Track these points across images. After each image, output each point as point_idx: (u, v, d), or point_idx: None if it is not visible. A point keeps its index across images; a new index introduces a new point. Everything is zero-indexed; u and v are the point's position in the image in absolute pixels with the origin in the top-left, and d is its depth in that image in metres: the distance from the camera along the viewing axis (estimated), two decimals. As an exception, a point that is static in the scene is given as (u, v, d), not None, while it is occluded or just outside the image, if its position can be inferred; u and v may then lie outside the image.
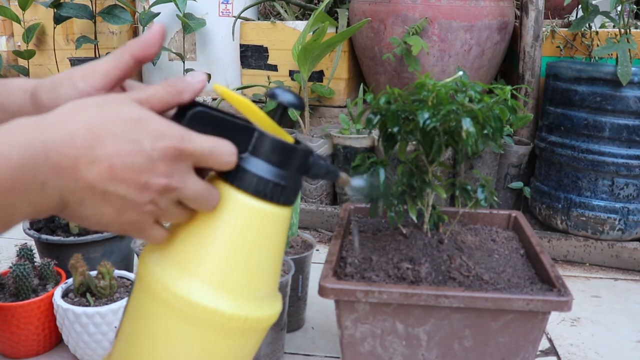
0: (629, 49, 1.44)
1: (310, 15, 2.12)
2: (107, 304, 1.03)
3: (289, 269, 1.04)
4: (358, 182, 0.52)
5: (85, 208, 0.39)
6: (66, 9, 1.98)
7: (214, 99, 2.17)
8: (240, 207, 0.42)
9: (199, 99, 2.16)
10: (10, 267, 1.05)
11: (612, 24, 1.69)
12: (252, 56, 2.07)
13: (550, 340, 1.20)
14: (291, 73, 2.03)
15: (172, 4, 1.98)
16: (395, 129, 0.83)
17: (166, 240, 0.43)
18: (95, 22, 2.10)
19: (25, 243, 1.16)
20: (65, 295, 1.07)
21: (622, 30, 1.52)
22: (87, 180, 0.38)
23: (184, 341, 0.42)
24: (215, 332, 0.42)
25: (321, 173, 0.46)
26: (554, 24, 1.82)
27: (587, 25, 1.61)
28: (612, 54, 1.58)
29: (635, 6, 1.69)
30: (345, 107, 1.98)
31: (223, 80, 2.19)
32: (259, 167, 0.41)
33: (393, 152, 0.88)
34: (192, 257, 0.42)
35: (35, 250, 1.17)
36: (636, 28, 1.78)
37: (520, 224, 1.02)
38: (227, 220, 0.41)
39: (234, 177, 0.41)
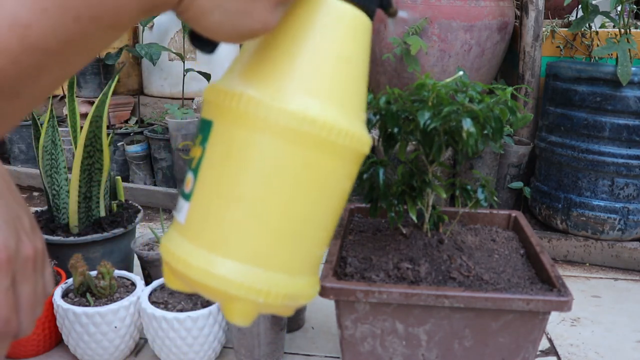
0: (629, 49, 1.44)
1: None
2: (107, 304, 1.03)
3: (289, 269, 1.04)
4: (403, 14, 0.52)
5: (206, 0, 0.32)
6: (66, 9, 1.98)
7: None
8: (336, 13, 0.39)
9: (199, 100, 2.16)
10: (10, 267, 1.05)
11: (612, 24, 1.69)
12: (252, 56, 2.07)
13: (550, 340, 1.20)
14: (291, 73, 2.02)
15: (172, 4, 1.98)
16: (395, 130, 0.83)
17: (251, 61, 0.39)
18: (95, 22, 2.09)
19: (25, 243, 1.16)
20: (65, 295, 1.07)
21: (622, 30, 1.52)
22: None
23: (282, 167, 0.37)
24: (325, 151, 0.38)
25: None
26: (554, 24, 1.82)
27: (587, 25, 1.61)
28: (612, 54, 1.58)
29: (635, 6, 1.69)
30: (345, 107, 1.98)
31: (223, 80, 2.19)
32: None
33: (393, 152, 0.88)
34: (290, 70, 0.38)
35: (35, 250, 1.17)
36: (636, 28, 1.78)
37: (520, 224, 1.02)
38: (322, 29, 0.39)
39: None
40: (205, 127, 0.40)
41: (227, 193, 0.38)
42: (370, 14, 0.41)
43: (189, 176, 0.41)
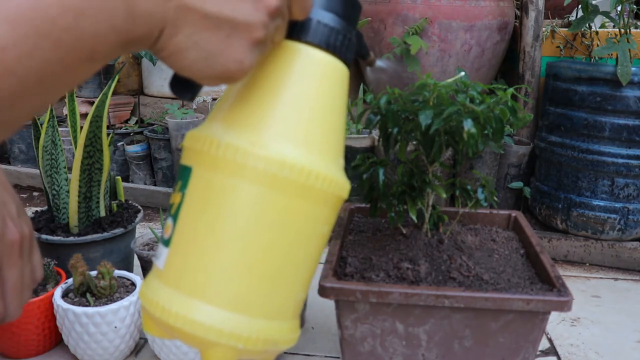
0: (629, 49, 1.44)
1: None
2: (107, 304, 1.03)
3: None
4: (381, 63, 0.53)
5: (182, 38, 0.32)
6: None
7: (214, 99, 2.16)
8: (314, 61, 0.39)
9: (199, 100, 2.16)
10: (10, 267, 1.05)
11: (612, 24, 1.69)
12: (252, 56, 2.07)
13: (550, 340, 1.20)
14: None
15: (172, 3, 1.98)
16: (395, 130, 0.83)
17: (231, 108, 0.39)
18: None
19: (25, 243, 1.16)
20: (65, 295, 1.07)
21: (622, 30, 1.52)
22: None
23: (262, 212, 0.37)
24: (304, 197, 0.38)
25: (361, 39, 0.45)
26: (554, 24, 1.82)
27: (587, 25, 1.61)
28: (612, 54, 1.58)
29: (635, 6, 1.69)
30: (345, 107, 1.98)
31: (223, 80, 2.18)
32: (327, 18, 0.40)
33: (393, 152, 0.88)
34: (270, 117, 0.38)
35: (35, 250, 1.17)
36: (636, 28, 1.78)
37: (520, 224, 1.02)
38: (301, 77, 0.39)
39: (303, 32, 0.39)
40: (184, 173, 0.40)
41: (206, 239, 0.38)
42: (347, 62, 0.42)
43: (169, 222, 0.40)
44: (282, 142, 0.37)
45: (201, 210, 0.38)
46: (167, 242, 0.40)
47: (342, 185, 0.41)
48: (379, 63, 0.53)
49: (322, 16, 0.40)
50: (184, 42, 0.32)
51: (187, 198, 0.39)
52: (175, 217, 0.40)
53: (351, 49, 0.41)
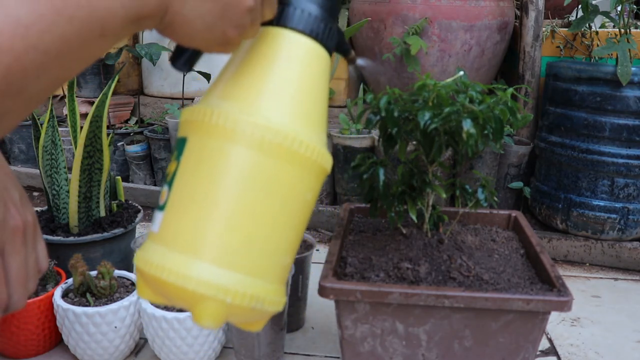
0: (629, 49, 1.44)
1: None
2: (107, 304, 1.03)
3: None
4: (361, 62, 0.59)
5: (187, 11, 0.36)
6: (66, 9, 1.97)
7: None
8: (299, 45, 0.45)
9: (198, 100, 2.16)
10: (10, 267, 1.05)
11: (612, 24, 1.69)
12: (252, 56, 2.07)
13: (550, 340, 1.20)
14: (291, 73, 2.02)
15: (172, 3, 1.98)
16: (395, 131, 0.83)
17: (223, 85, 0.44)
18: (95, 22, 2.08)
19: (25, 243, 1.16)
20: (65, 295, 1.07)
21: (622, 30, 1.52)
22: None
23: (249, 174, 0.41)
24: (288, 161, 0.42)
25: (342, 37, 0.50)
26: (554, 24, 1.82)
27: (587, 25, 1.61)
28: (612, 54, 1.58)
29: (635, 6, 1.69)
30: (345, 107, 1.98)
31: (223, 80, 2.18)
32: (311, 8, 0.45)
33: (393, 152, 0.88)
34: (258, 90, 0.42)
35: (35, 250, 1.17)
36: (636, 28, 1.78)
37: (520, 224, 1.02)
38: (287, 58, 0.44)
39: (287, 19, 0.45)
40: (180, 144, 0.44)
41: (198, 198, 0.41)
42: (329, 49, 0.47)
43: (164, 189, 0.43)
44: (269, 111, 0.42)
45: (194, 173, 0.42)
46: (162, 207, 0.43)
47: (325, 157, 0.45)
48: (360, 62, 0.58)
49: (307, 6, 0.45)
50: (189, 15, 0.36)
51: (182, 164, 0.42)
52: (170, 183, 0.43)
53: (332, 37, 0.47)
